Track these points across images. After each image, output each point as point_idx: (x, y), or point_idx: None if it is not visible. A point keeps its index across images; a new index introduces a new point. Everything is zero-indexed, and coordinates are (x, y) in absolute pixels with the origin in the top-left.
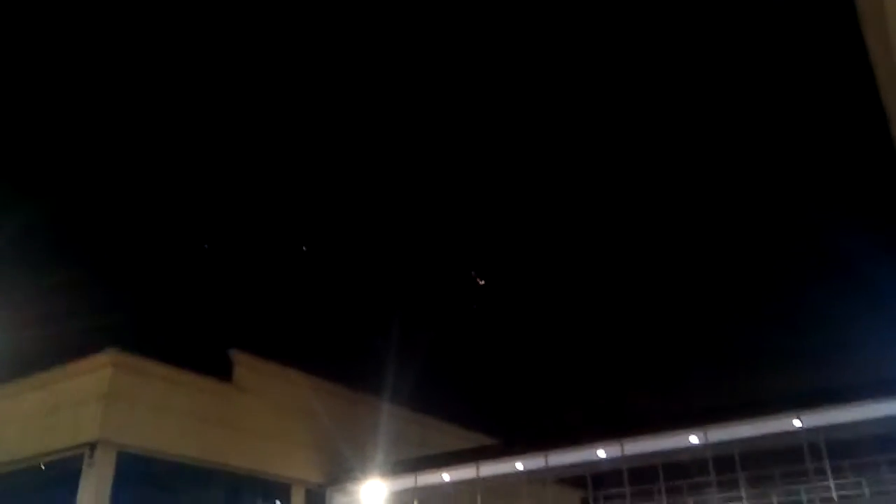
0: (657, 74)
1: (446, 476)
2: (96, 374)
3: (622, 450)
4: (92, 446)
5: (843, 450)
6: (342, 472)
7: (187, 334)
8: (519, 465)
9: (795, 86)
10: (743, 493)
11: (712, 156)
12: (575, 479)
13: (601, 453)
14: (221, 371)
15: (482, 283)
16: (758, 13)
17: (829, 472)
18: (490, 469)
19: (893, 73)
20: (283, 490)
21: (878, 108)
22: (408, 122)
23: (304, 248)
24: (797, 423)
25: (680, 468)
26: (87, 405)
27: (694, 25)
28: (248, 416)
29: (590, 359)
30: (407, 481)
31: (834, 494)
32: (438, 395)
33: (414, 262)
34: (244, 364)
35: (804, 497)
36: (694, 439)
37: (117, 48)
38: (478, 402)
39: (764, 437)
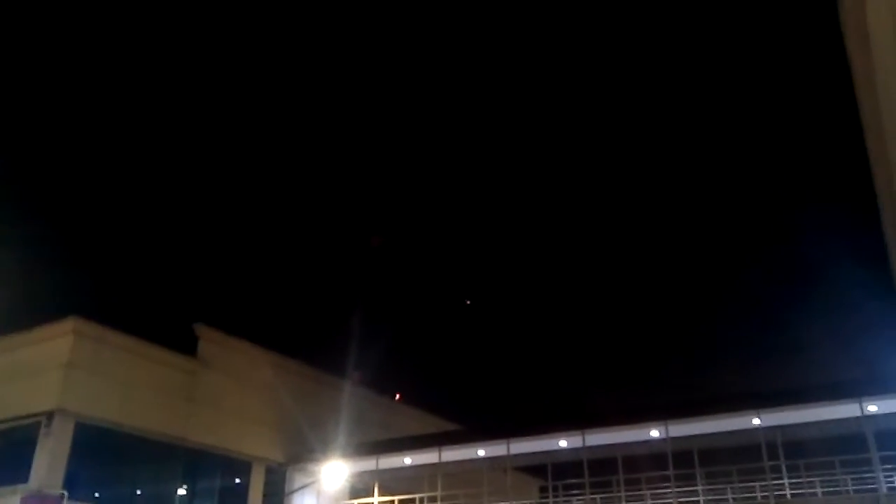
0: (632, 83)
1: (408, 459)
2: (57, 341)
3: (583, 441)
4: (49, 415)
5: (799, 449)
6: (303, 452)
7: (152, 306)
8: (481, 452)
9: (764, 97)
10: (699, 488)
11: (681, 161)
12: (535, 467)
13: (563, 443)
14: (186, 345)
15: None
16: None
17: (784, 471)
18: (452, 454)
19: (872, 86)
20: (244, 467)
21: (848, 115)
22: (376, 113)
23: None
24: (756, 421)
25: (639, 461)
26: (45, 373)
27: (667, 32)
28: (211, 392)
29: (555, 351)
30: (368, 463)
31: (788, 493)
32: (403, 378)
33: (385, 245)
34: (209, 339)
35: (759, 494)
36: (655, 433)
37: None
38: (442, 388)
39: (723, 434)
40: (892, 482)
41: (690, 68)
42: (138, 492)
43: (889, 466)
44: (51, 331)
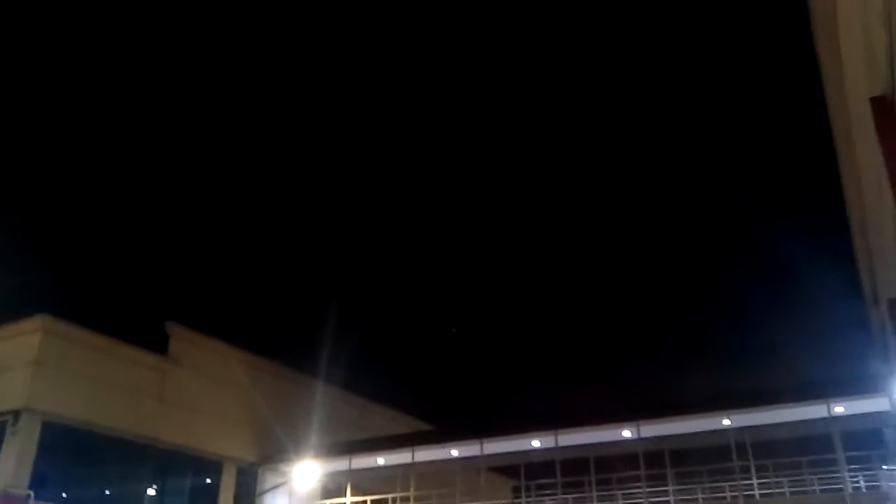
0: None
1: (381, 459)
2: (25, 339)
3: (556, 441)
4: (16, 414)
5: (767, 449)
6: (275, 452)
7: (123, 304)
8: (454, 452)
9: (736, 102)
10: (670, 488)
11: (653, 165)
12: (508, 467)
13: (535, 443)
14: (156, 343)
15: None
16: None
17: (753, 471)
18: (425, 455)
19: (842, 91)
20: (215, 467)
21: (818, 119)
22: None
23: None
24: (726, 422)
25: (610, 461)
26: (12, 371)
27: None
28: (181, 391)
29: (528, 351)
30: (341, 463)
31: (756, 493)
32: (376, 378)
33: (357, 245)
34: (180, 337)
35: (728, 494)
36: (626, 433)
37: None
38: (415, 387)
39: (694, 435)
40: (857, 482)
41: (668, 72)
42: (107, 492)
43: (855, 467)
44: (19, 328)
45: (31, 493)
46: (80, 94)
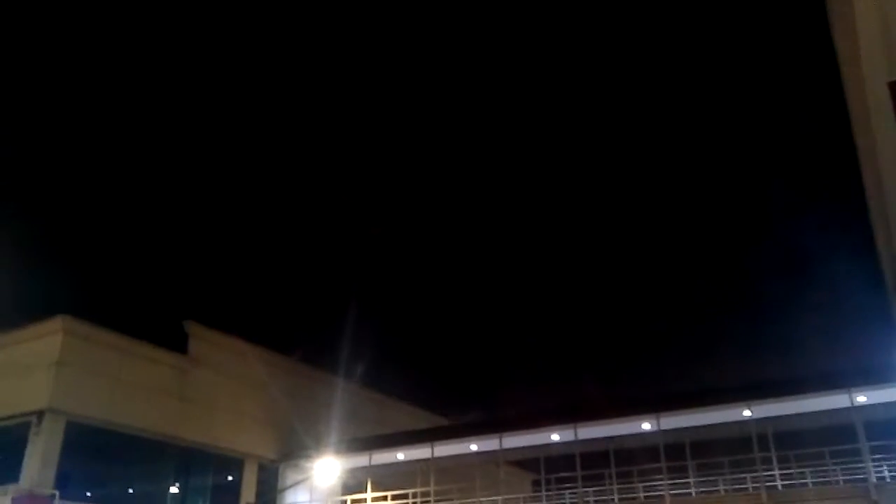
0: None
1: (401, 455)
2: (46, 340)
3: (576, 434)
4: (39, 414)
5: (789, 440)
6: (296, 449)
7: (143, 304)
8: (473, 447)
9: (755, 94)
10: (691, 480)
11: (674, 157)
12: (528, 461)
13: (555, 437)
14: (176, 343)
15: None
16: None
17: (775, 462)
18: (445, 449)
19: (859, 77)
20: (236, 465)
21: (841, 112)
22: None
23: None
24: (747, 412)
25: (631, 454)
26: (35, 372)
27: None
28: (202, 390)
29: (547, 344)
30: (361, 459)
31: (779, 483)
32: (394, 374)
33: (375, 242)
34: (200, 336)
35: (750, 485)
36: (647, 426)
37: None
38: (434, 383)
39: (715, 426)
40: (881, 472)
41: (685, 65)
42: (130, 490)
43: (878, 456)
44: (40, 329)
45: (56, 493)
46: (96, 96)
